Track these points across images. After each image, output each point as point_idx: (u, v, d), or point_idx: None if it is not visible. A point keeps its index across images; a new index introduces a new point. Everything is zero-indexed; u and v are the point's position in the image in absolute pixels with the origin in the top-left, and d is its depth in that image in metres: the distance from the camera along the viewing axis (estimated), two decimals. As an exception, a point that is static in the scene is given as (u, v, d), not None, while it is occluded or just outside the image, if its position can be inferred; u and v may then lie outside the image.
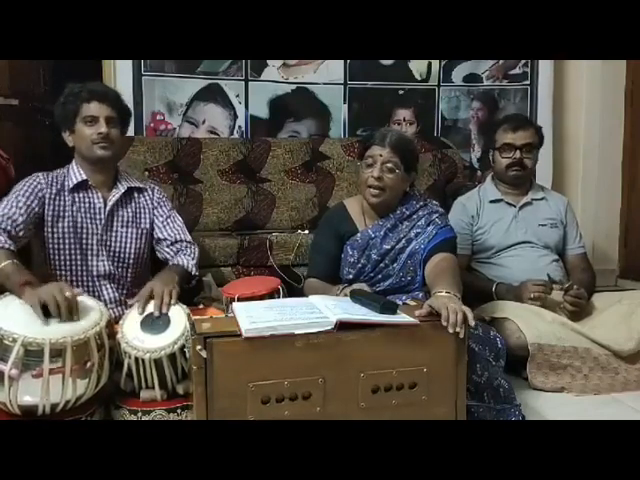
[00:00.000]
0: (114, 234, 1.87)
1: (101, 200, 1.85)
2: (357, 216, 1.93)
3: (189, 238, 1.94)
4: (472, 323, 1.40)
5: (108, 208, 1.85)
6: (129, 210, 1.90)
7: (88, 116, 1.77)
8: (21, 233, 1.70)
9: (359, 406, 1.36)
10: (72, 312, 1.43)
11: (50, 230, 1.79)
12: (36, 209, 1.76)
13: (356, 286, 1.73)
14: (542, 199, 2.37)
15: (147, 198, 1.94)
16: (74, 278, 1.82)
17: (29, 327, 1.38)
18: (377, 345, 1.36)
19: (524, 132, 2.28)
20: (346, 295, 1.62)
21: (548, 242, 2.29)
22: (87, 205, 1.84)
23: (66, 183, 1.83)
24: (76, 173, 1.83)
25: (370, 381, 1.36)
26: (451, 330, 1.37)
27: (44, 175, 1.82)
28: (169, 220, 1.94)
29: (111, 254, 1.86)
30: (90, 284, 1.84)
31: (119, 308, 1.84)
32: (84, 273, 1.84)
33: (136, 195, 1.93)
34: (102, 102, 1.79)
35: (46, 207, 1.79)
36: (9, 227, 1.67)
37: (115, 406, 1.53)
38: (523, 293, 2.08)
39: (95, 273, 1.84)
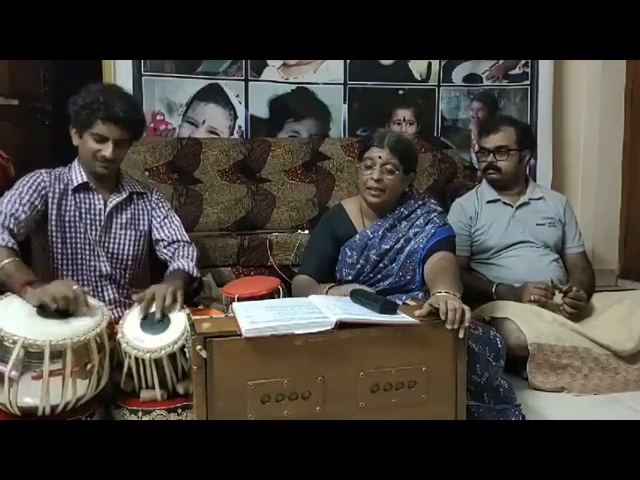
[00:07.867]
0: (112, 236, 1.87)
1: (101, 202, 1.84)
2: (355, 217, 1.93)
3: (187, 238, 1.93)
4: (467, 323, 1.40)
5: (108, 210, 1.85)
6: (128, 213, 1.90)
7: (98, 135, 1.73)
8: (22, 230, 1.69)
9: (358, 405, 1.36)
10: (80, 307, 1.44)
11: (54, 230, 1.79)
12: (39, 207, 1.76)
13: (348, 286, 1.71)
14: (540, 198, 2.36)
15: (146, 201, 1.94)
16: (76, 278, 1.82)
17: (29, 328, 1.38)
18: (376, 344, 1.36)
19: (495, 135, 2.30)
20: (345, 295, 1.62)
21: (547, 241, 2.29)
22: (88, 206, 1.84)
23: (69, 183, 1.83)
24: (77, 175, 1.83)
25: (369, 380, 1.36)
26: (449, 326, 1.37)
27: (47, 172, 1.82)
28: (166, 220, 1.94)
29: (109, 255, 1.86)
30: (92, 284, 1.84)
31: (119, 309, 1.84)
32: (86, 273, 1.84)
33: (135, 198, 1.92)
34: (116, 124, 1.72)
35: (49, 206, 1.79)
36: (11, 225, 1.66)
37: (115, 406, 1.53)
38: (523, 294, 2.08)
39: (97, 273, 1.85)
